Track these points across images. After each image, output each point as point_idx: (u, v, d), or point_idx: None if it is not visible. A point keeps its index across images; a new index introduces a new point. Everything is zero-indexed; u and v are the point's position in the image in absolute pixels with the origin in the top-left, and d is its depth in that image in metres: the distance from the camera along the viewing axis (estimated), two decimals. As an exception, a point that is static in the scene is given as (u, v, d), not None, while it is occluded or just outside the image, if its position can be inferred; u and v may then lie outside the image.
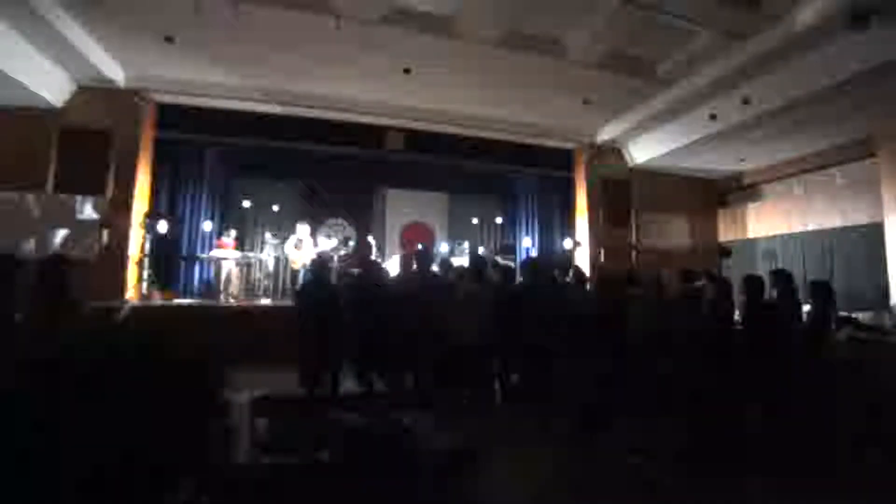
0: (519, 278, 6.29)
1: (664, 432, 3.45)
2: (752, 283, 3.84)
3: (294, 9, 4.92)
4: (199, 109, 7.14)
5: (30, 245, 6.01)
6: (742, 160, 8.81)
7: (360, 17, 5.07)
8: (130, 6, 4.91)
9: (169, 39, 5.40)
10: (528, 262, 7.48)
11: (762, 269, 8.22)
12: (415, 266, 4.54)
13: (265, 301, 7.33)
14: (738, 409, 3.35)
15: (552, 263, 6.64)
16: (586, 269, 7.51)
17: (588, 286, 5.46)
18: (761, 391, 3.48)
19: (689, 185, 9.88)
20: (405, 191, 9.83)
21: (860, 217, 7.67)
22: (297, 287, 5.27)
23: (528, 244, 9.84)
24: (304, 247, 7.63)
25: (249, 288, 7.68)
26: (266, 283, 7.97)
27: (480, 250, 8.94)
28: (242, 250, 7.82)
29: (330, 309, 4.15)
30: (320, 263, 4.63)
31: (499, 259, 8.24)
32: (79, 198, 6.27)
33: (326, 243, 7.99)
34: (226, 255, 7.18)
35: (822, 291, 3.93)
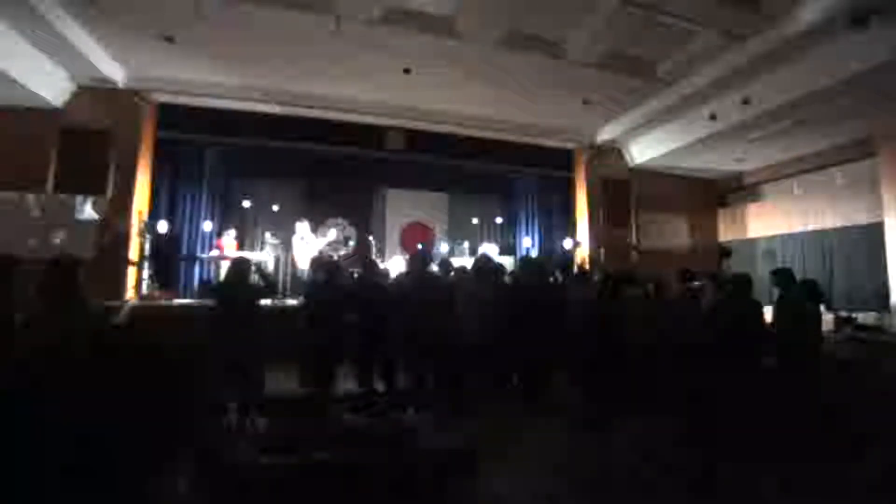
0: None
1: (664, 432, 3.45)
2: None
3: (294, 9, 4.92)
4: (199, 109, 7.14)
5: (30, 245, 6.00)
6: (742, 160, 8.81)
7: (360, 17, 5.07)
8: (130, 6, 4.91)
9: (169, 39, 5.41)
10: (522, 260, 7.48)
11: (762, 269, 8.24)
12: (414, 266, 4.55)
13: (264, 301, 7.32)
14: (738, 408, 3.35)
15: (550, 263, 6.64)
16: (587, 269, 7.49)
17: (589, 285, 5.45)
18: (764, 389, 3.48)
19: (689, 185, 9.88)
20: (405, 191, 9.81)
21: (860, 217, 7.67)
22: (307, 289, 5.20)
23: (528, 244, 9.84)
24: (308, 243, 7.64)
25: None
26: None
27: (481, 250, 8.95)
28: (242, 250, 7.80)
29: (338, 309, 4.15)
30: (332, 266, 4.63)
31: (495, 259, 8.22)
32: (79, 198, 6.26)
33: (327, 235, 8.04)
34: (225, 255, 7.17)
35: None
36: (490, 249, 8.45)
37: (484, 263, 4.71)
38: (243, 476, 2.42)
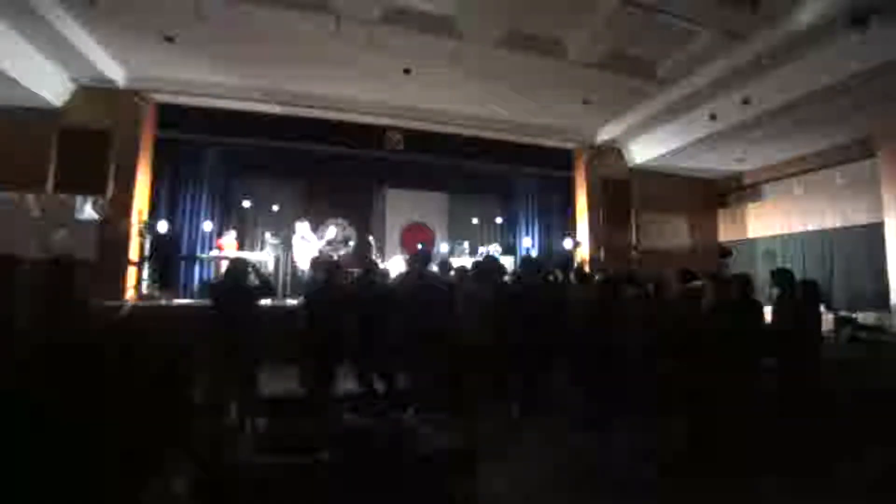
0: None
1: (664, 432, 3.45)
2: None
3: (294, 9, 4.92)
4: (199, 109, 7.14)
5: (30, 245, 6.00)
6: (742, 160, 8.81)
7: (360, 17, 5.07)
8: (130, 6, 4.91)
9: (169, 39, 5.41)
10: (523, 260, 7.50)
11: (762, 269, 8.24)
12: (414, 266, 4.55)
13: (265, 301, 7.32)
14: (739, 408, 3.35)
15: (550, 263, 6.64)
16: (586, 269, 7.49)
17: (588, 286, 5.45)
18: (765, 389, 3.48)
19: (689, 185, 9.88)
20: (405, 191, 9.82)
21: (860, 217, 7.67)
22: (308, 289, 5.20)
23: (528, 244, 9.85)
24: (308, 243, 7.64)
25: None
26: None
27: (481, 250, 8.96)
28: (242, 250, 7.81)
29: (338, 310, 4.14)
30: (332, 265, 4.63)
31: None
32: (79, 198, 6.27)
33: (327, 235, 8.05)
34: (225, 255, 7.17)
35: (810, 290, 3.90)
36: (493, 250, 8.49)
37: (484, 263, 4.71)
38: (243, 476, 2.42)
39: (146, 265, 6.81)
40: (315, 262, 6.24)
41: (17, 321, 2.25)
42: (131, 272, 6.58)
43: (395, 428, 3.61)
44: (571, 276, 5.59)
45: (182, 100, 7.02)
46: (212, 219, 7.98)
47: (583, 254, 8.90)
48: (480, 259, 7.13)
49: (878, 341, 6.14)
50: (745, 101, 6.18)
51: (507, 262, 7.43)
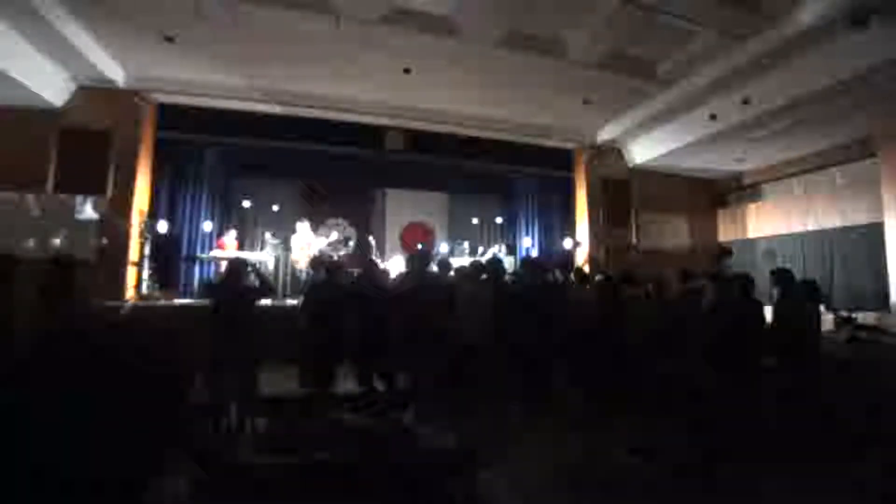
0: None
1: (664, 432, 3.45)
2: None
3: (294, 9, 4.92)
4: (199, 109, 7.14)
5: (30, 245, 6.01)
6: (742, 160, 8.81)
7: (360, 17, 5.07)
8: (130, 6, 4.91)
9: (169, 39, 5.41)
10: (523, 261, 7.49)
11: (762, 269, 8.22)
12: (414, 266, 4.55)
13: (265, 301, 7.31)
14: (739, 408, 3.35)
15: (550, 263, 6.65)
16: (586, 269, 7.50)
17: (588, 286, 5.45)
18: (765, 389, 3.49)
19: (688, 185, 9.88)
20: (405, 191, 9.83)
21: (860, 217, 7.66)
22: (308, 288, 5.20)
23: (528, 244, 9.85)
24: (308, 243, 7.64)
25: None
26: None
27: (481, 250, 8.96)
28: (242, 250, 7.81)
29: (338, 309, 4.15)
30: (332, 265, 4.64)
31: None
32: (79, 198, 6.27)
33: (329, 235, 8.06)
34: (226, 255, 7.17)
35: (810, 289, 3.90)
36: (497, 251, 8.49)
37: (484, 264, 4.72)
38: (243, 476, 2.43)
39: (146, 265, 6.81)
40: (315, 262, 6.25)
41: (16, 321, 2.25)
42: (131, 272, 6.58)
43: (395, 428, 3.62)
44: (571, 276, 5.59)
45: (182, 100, 7.01)
46: (212, 219, 7.98)
47: (583, 254, 8.91)
48: (480, 259, 7.16)
49: (878, 341, 6.13)
50: (745, 101, 6.18)
51: (508, 262, 7.44)
